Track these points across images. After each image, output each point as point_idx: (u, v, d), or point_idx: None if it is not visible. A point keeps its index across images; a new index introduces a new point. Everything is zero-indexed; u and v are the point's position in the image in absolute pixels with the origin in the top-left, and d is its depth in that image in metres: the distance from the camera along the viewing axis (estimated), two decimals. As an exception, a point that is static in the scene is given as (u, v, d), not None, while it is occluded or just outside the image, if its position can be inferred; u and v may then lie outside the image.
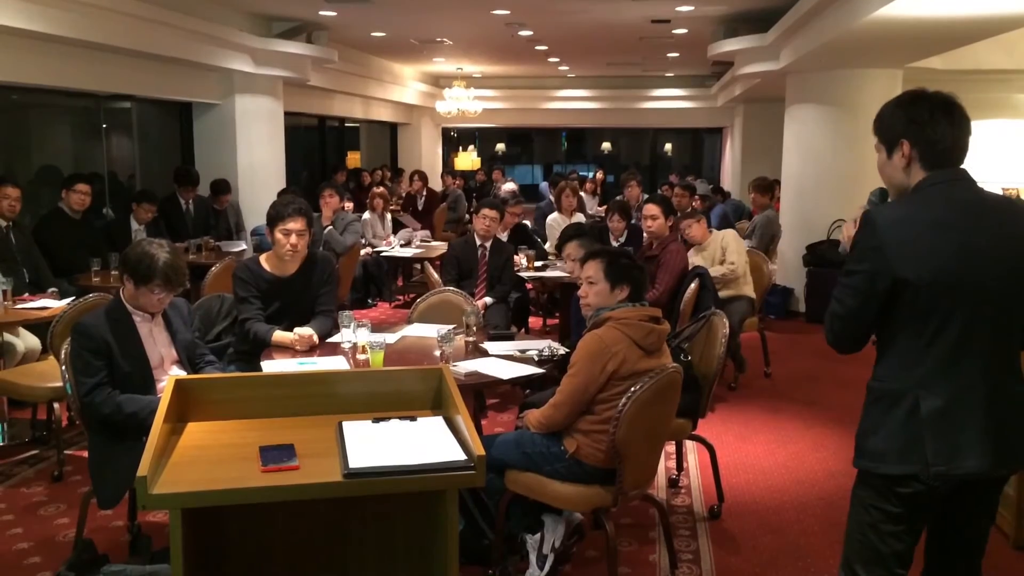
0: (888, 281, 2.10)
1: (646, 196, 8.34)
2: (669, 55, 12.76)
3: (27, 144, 8.22)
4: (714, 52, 9.61)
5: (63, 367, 3.51)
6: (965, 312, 2.09)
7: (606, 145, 21.07)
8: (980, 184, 2.21)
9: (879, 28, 6.07)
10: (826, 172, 8.49)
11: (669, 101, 16.97)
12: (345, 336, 3.94)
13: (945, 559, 2.34)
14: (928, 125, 2.15)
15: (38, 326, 5.01)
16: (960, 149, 2.19)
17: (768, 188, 8.33)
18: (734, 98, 13.90)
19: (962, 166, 2.20)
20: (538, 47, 11.97)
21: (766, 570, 3.52)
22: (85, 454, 3.69)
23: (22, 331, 5.21)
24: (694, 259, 6.21)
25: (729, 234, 6.37)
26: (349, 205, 8.67)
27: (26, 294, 5.34)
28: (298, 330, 3.94)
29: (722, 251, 6.24)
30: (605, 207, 9.58)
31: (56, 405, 4.60)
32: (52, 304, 4.99)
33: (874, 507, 2.22)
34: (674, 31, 10.14)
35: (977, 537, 2.33)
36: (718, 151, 18.66)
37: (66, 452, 4.61)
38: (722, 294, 6.10)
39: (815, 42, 7.09)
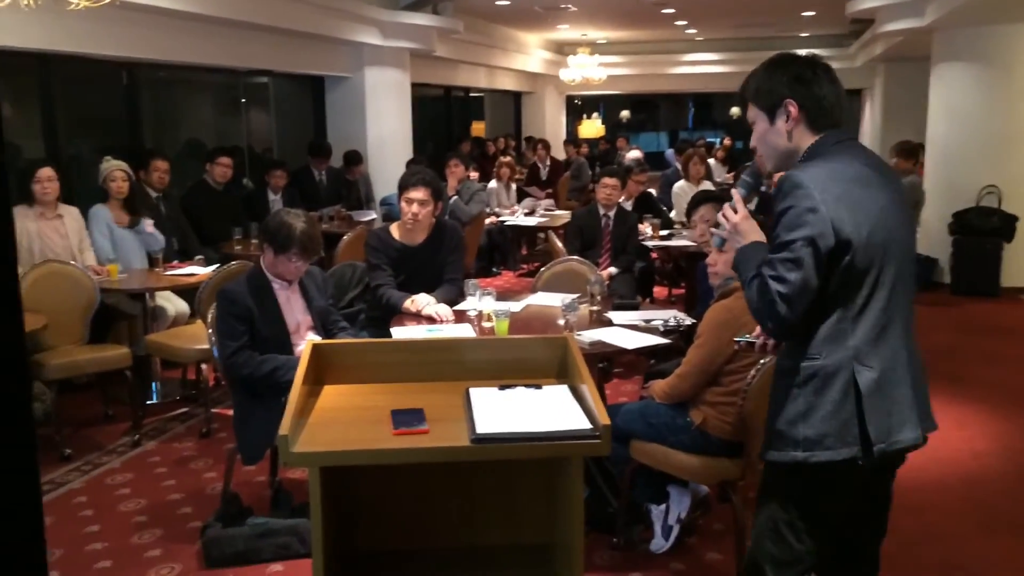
0: (831, 242, 1.92)
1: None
2: (804, 14, 12.21)
3: (174, 119, 8.69)
4: (853, 9, 9.13)
5: (209, 330, 3.71)
6: (890, 274, 1.99)
7: (735, 110, 20.36)
8: None
9: (1040, -23, 5.62)
10: (975, 135, 7.97)
11: (803, 63, 16.25)
12: (471, 304, 4.00)
13: (852, 547, 2.21)
14: (814, 83, 2.06)
15: (186, 291, 5.32)
16: (842, 108, 2.09)
17: (912, 152, 7.88)
18: (874, 58, 13.18)
19: None
20: (665, 10, 11.68)
21: (901, 551, 3.37)
22: (230, 412, 3.91)
23: (172, 296, 5.54)
24: None
25: None
26: (475, 175, 8.77)
27: (175, 261, 5.67)
28: (436, 306, 3.96)
29: None
30: (734, 174, 9.30)
31: (204, 366, 4.89)
32: (199, 271, 5.29)
33: (796, 502, 2.08)
34: (810, -12, 9.70)
35: (884, 519, 2.21)
36: (856, 114, 17.77)
37: (213, 410, 4.90)
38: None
39: (966, -5, 6.63)
